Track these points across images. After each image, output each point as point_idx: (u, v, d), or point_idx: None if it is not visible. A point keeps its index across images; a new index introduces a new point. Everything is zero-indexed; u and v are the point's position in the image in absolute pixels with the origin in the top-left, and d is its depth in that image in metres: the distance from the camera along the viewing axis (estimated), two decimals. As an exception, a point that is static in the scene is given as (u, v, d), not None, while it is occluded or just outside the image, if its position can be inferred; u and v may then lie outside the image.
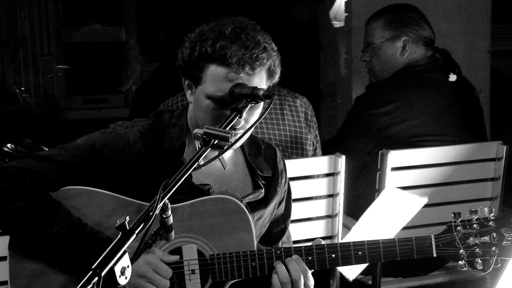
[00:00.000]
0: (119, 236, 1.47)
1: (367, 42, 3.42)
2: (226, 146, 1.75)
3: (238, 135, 1.97)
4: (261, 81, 2.02)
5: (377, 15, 3.41)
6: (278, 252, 2.08)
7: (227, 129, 1.80)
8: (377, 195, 3.00)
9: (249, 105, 1.92)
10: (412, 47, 3.30)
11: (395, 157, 2.99)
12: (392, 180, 3.00)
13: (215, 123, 1.96)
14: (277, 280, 2.05)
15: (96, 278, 1.39)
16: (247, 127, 2.00)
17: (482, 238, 2.10)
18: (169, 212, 1.62)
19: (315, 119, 3.13)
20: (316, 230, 2.98)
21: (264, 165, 2.25)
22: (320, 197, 2.98)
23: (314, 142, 3.13)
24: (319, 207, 2.98)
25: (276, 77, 2.09)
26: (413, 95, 3.23)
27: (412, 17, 3.33)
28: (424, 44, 3.32)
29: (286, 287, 2.04)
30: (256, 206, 2.20)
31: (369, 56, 3.42)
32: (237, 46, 1.96)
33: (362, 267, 2.72)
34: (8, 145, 3.07)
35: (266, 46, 2.00)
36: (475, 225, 2.11)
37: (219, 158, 1.76)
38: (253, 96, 1.90)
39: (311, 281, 2.07)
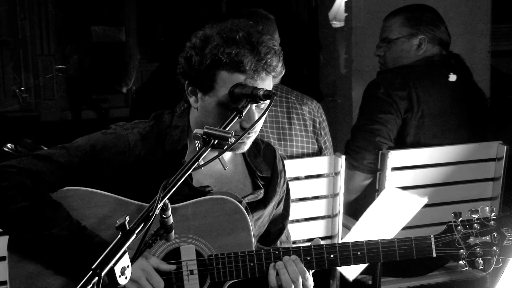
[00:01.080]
0: (119, 236, 1.47)
1: (383, 37, 3.42)
2: (226, 146, 1.75)
3: (239, 136, 1.97)
4: (270, 83, 2.04)
5: (397, 12, 3.41)
6: (277, 252, 2.07)
7: (227, 129, 1.80)
8: (377, 195, 3.00)
9: (249, 105, 1.91)
10: (427, 46, 3.31)
11: (395, 157, 2.99)
12: (392, 180, 3.00)
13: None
14: (274, 279, 2.04)
15: (96, 278, 1.39)
16: (258, 128, 2.01)
17: (483, 238, 2.09)
18: (169, 212, 1.62)
19: (324, 124, 3.10)
20: (316, 230, 2.98)
21: (263, 165, 2.25)
22: (320, 197, 2.98)
23: (322, 148, 3.11)
24: (319, 207, 2.98)
25: (279, 76, 2.10)
26: (426, 85, 3.22)
27: (430, 17, 3.34)
28: (439, 44, 3.32)
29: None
30: (255, 207, 2.20)
31: (383, 51, 3.43)
32: (251, 53, 1.96)
33: (362, 267, 2.71)
34: (8, 145, 3.08)
35: (276, 50, 2.02)
36: (475, 224, 2.09)
37: (219, 158, 1.76)
38: (253, 96, 1.90)
39: (310, 282, 2.07)
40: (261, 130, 2.85)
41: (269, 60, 1.97)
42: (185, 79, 2.08)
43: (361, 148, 3.15)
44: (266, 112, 1.94)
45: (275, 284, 2.04)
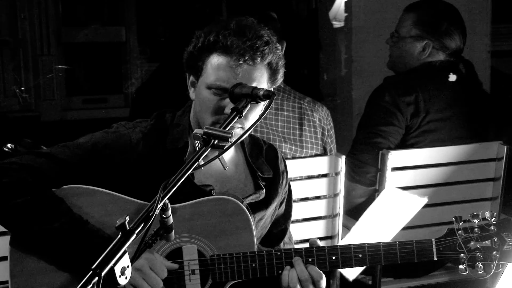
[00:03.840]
0: (119, 236, 1.47)
1: (396, 30, 3.39)
2: (226, 146, 1.75)
3: (238, 135, 1.97)
4: (261, 76, 2.03)
5: (415, 7, 3.35)
6: (279, 253, 2.07)
7: (227, 129, 1.80)
8: (377, 195, 3.00)
9: (249, 105, 1.92)
10: (432, 52, 3.26)
11: (395, 157, 2.99)
12: (392, 180, 2.99)
13: (214, 115, 1.99)
14: (295, 275, 2.04)
15: (96, 278, 1.39)
16: (246, 123, 2.02)
17: (483, 243, 2.09)
18: (169, 212, 1.62)
19: (332, 131, 3.10)
20: (316, 230, 2.98)
21: (265, 166, 2.25)
22: (320, 198, 2.98)
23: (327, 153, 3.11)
24: (319, 207, 2.98)
25: (279, 78, 2.09)
26: (431, 90, 3.20)
27: (445, 24, 3.26)
28: (445, 53, 3.28)
29: (306, 284, 2.04)
30: (257, 207, 2.20)
31: (393, 42, 3.40)
32: (240, 37, 1.99)
33: (362, 267, 2.71)
34: (8, 145, 3.07)
35: (269, 41, 2.02)
36: (476, 229, 2.10)
37: (219, 158, 1.76)
38: (253, 96, 1.90)
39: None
40: (272, 134, 2.86)
41: (256, 46, 1.98)
42: (185, 68, 2.11)
43: (363, 162, 3.14)
44: (266, 112, 1.94)
45: (286, 285, 2.05)
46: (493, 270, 2.10)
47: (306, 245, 2.13)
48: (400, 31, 3.35)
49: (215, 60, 2.00)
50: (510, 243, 2.08)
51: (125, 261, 1.45)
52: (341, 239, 3.01)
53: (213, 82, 2.00)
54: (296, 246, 2.39)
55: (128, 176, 2.08)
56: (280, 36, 3.10)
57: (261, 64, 2.01)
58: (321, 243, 2.13)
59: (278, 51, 2.06)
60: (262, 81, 2.03)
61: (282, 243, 2.37)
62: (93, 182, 2.05)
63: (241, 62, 1.98)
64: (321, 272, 2.06)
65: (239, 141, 1.91)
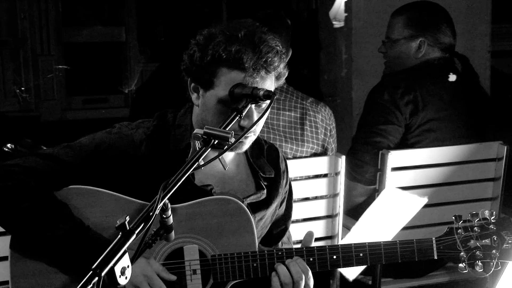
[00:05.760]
0: (119, 236, 1.47)
1: (387, 35, 3.41)
2: (226, 146, 1.75)
3: (239, 136, 1.97)
4: (272, 84, 2.04)
5: (401, 11, 3.37)
6: (280, 253, 2.07)
7: (227, 129, 1.80)
8: (377, 195, 3.00)
9: (249, 105, 1.91)
10: (427, 49, 3.27)
11: (395, 157, 2.99)
12: (392, 180, 3.00)
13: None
14: (277, 281, 2.04)
15: (96, 278, 1.39)
16: (257, 129, 2.02)
17: (483, 241, 2.10)
18: (169, 212, 1.62)
19: (334, 131, 3.10)
20: (316, 230, 2.97)
21: (266, 166, 2.25)
22: (320, 197, 2.98)
23: (328, 151, 3.12)
24: (319, 207, 2.98)
25: (283, 78, 2.10)
26: (429, 89, 3.20)
27: (435, 21, 3.29)
28: (440, 49, 3.29)
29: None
30: (258, 207, 2.20)
31: (386, 49, 3.42)
32: (251, 50, 1.96)
33: (362, 267, 2.71)
34: (8, 145, 3.08)
35: (278, 50, 2.01)
36: (476, 228, 2.11)
37: (219, 159, 1.76)
38: (253, 96, 1.90)
39: (311, 281, 2.08)
40: (273, 133, 2.86)
41: (270, 59, 1.97)
42: (188, 75, 2.08)
43: (363, 161, 3.14)
44: (267, 113, 1.94)
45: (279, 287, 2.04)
46: (492, 269, 2.10)
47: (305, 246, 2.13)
48: (391, 36, 3.36)
49: (229, 75, 1.97)
50: (510, 241, 2.09)
51: (125, 261, 1.45)
52: (341, 239, 3.01)
53: (228, 97, 1.97)
54: (296, 246, 2.39)
55: (131, 177, 2.07)
56: (289, 44, 3.11)
57: (272, 74, 2.02)
58: (321, 243, 2.13)
59: (284, 56, 2.05)
60: (270, 86, 2.03)
61: (280, 243, 2.36)
62: (95, 183, 2.05)
63: (257, 79, 1.97)
64: (301, 272, 2.04)
65: (238, 141, 1.91)
